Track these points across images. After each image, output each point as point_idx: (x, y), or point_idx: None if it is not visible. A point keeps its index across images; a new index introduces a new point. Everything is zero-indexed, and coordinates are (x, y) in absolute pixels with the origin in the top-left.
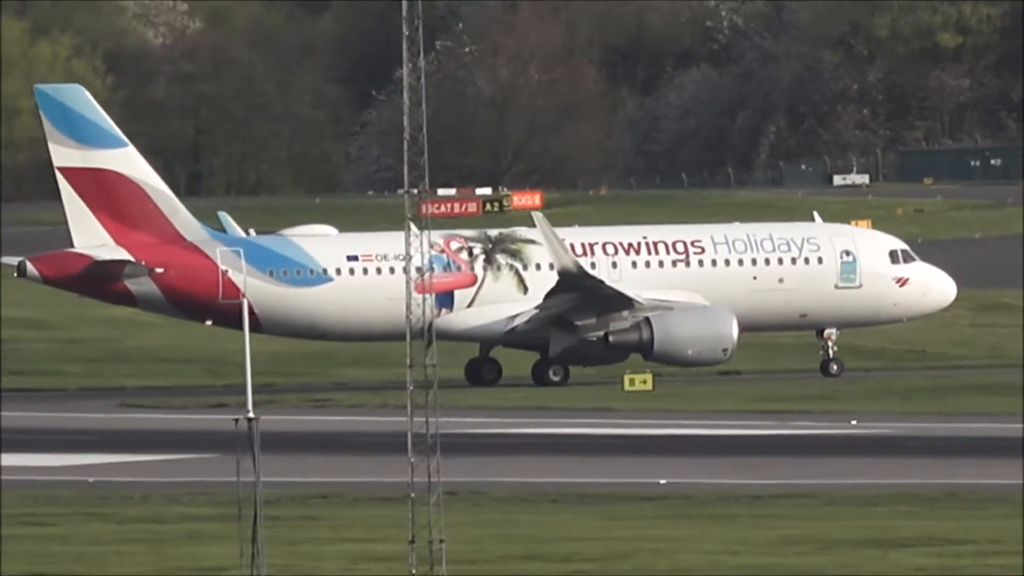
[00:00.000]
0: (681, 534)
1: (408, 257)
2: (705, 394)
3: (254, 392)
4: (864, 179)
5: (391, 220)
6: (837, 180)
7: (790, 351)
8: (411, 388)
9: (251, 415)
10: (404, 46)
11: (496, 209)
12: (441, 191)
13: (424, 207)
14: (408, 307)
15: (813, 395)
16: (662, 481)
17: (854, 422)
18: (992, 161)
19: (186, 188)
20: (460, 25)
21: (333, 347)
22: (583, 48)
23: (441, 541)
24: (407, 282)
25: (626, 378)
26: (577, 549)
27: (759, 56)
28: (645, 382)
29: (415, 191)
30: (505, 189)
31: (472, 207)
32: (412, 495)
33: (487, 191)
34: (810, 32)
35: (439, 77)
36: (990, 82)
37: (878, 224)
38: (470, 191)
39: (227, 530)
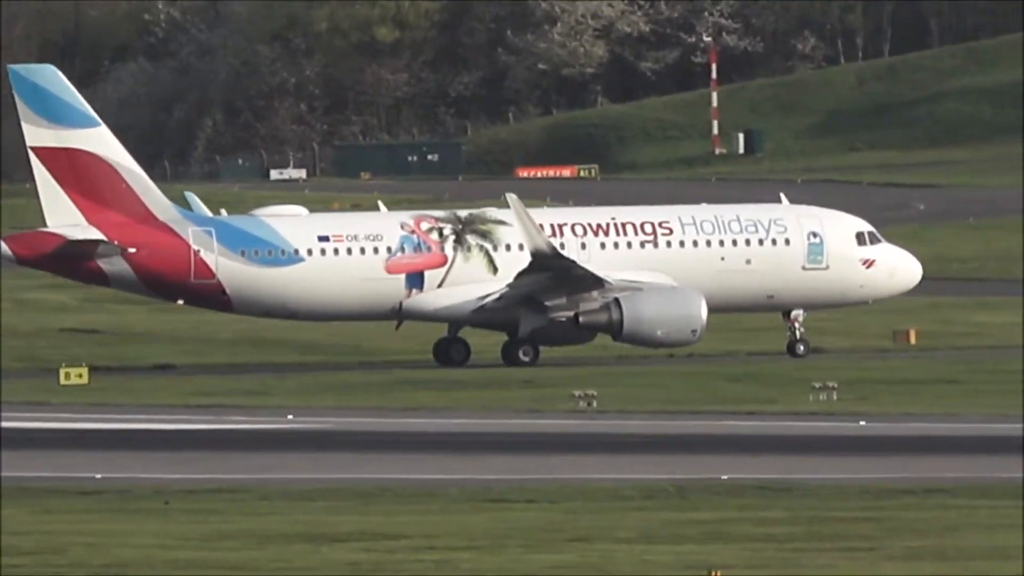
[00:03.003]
0: (117, 528)
1: None
2: (141, 388)
3: None
4: (301, 173)
5: None
6: (274, 174)
7: (222, 346)
8: None
9: None
10: None
11: None
12: None
13: None
14: None
15: (248, 390)
16: (97, 475)
17: (290, 416)
18: (429, 156)
19: None
20: None
21: None
22: (20, 42)
23: None
24: None
25: (61, 372)
26: (11, 543)
27: (196, 50)
28: (81, 376)
29: None
30: None
31: None
32: None
33: None
34: (247, 26)
35: None
36: (428, 77)
37: None
38: None
39: None
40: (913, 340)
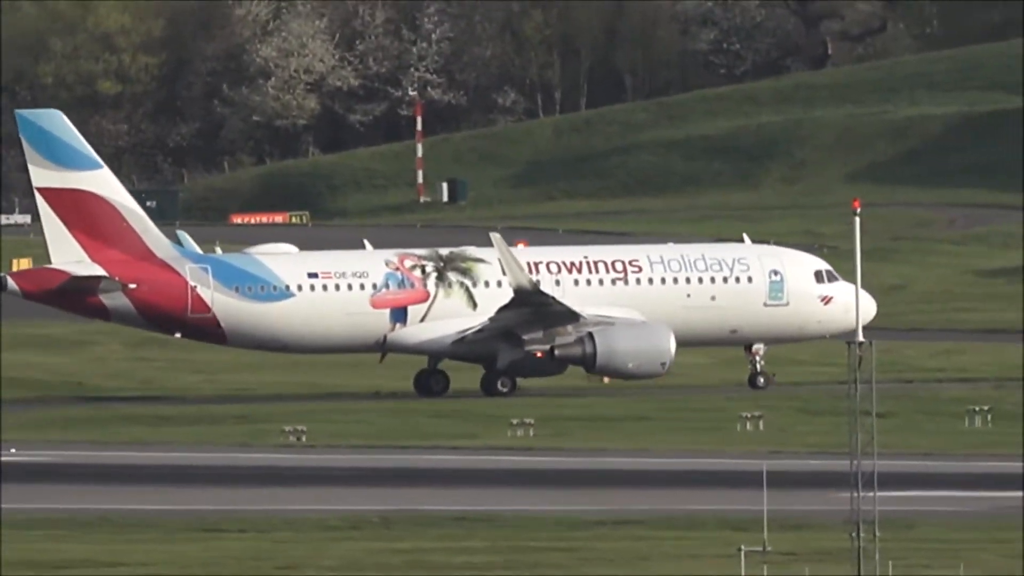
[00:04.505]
0: None
1: None
2: None
3: None
4: (26, 219)
5: None
6: (3, 219)
7: None
8: None
9: None
10: None
11: None
12: None
13: None
14: None
15: None
16: None
17: (13, 450)
18: (148, 203)
19: None
20: None
21: None
22: None
23: None
24: None
25: None
26: None
27: None
28: None
29: None
30: None
31: None
32: None
33: None
34: None
35: None
36: (147, 128)
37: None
38: None
39: None
40: (606, 380)
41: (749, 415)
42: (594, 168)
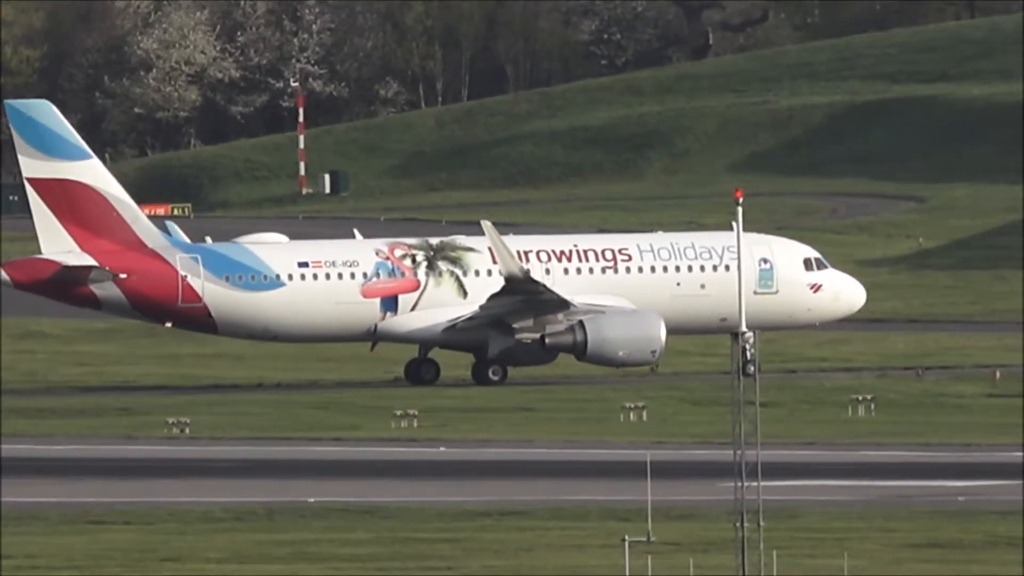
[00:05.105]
0: None
1: None
2: None
3: None
4: None
5: None
6: None
7: None
8: None
9: None
10: None
11: None
12: None
13: None
14: None
15: None
16: None
17: None
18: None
19: None
20: None
21: None
22: None
23: None
24: None
25: None
26: None
27: None
28: None
29: None
30: None
31: None
32: None
33: None
34: None
35: None
36: None
37: None
38: None
39: None
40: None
41: (632, 405)
42: (476, 159)
